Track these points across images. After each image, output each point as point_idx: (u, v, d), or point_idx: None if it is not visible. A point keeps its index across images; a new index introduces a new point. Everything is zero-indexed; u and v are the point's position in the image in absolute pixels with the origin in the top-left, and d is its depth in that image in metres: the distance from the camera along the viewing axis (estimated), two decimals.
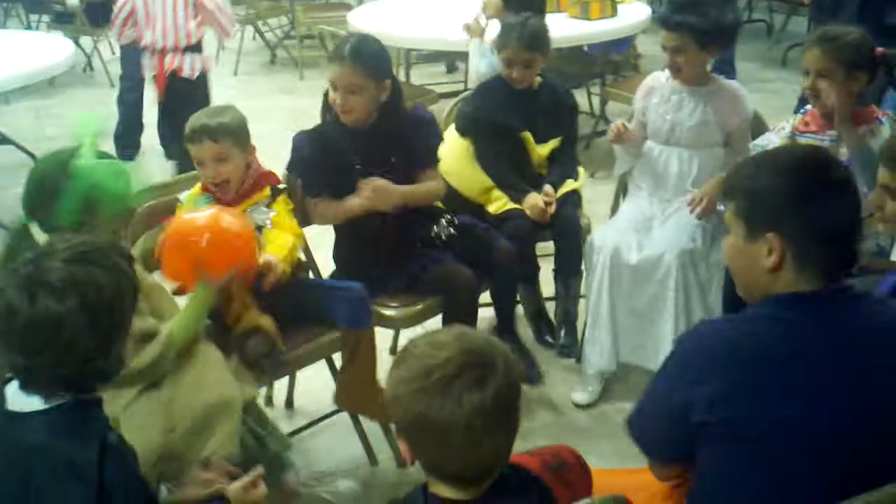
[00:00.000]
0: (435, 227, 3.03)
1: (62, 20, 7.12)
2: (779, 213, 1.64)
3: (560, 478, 1.57)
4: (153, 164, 5.24)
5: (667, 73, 3.22)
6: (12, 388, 1.61)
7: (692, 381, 1.61)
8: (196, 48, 4.67)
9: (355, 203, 2.86)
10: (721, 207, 2.32)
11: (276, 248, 2.64)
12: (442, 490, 1.45)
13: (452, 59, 6.95)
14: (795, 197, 1.64)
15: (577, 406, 3.22)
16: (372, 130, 2.90)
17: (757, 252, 1.65)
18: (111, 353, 1.60)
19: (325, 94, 2.94)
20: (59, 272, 1.53)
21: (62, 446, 1.55)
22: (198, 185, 2.74)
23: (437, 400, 1.37)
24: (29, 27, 7.64)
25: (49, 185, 2.07)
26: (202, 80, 4.72)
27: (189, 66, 4.64)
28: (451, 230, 3.04)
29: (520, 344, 3.27)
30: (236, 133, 2.67)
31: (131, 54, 5.05)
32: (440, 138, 3.10)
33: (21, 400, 1.59)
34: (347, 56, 2.80)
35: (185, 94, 4.56)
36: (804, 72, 2.80)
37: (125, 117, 5.43)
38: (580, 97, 5.84)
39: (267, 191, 2.75)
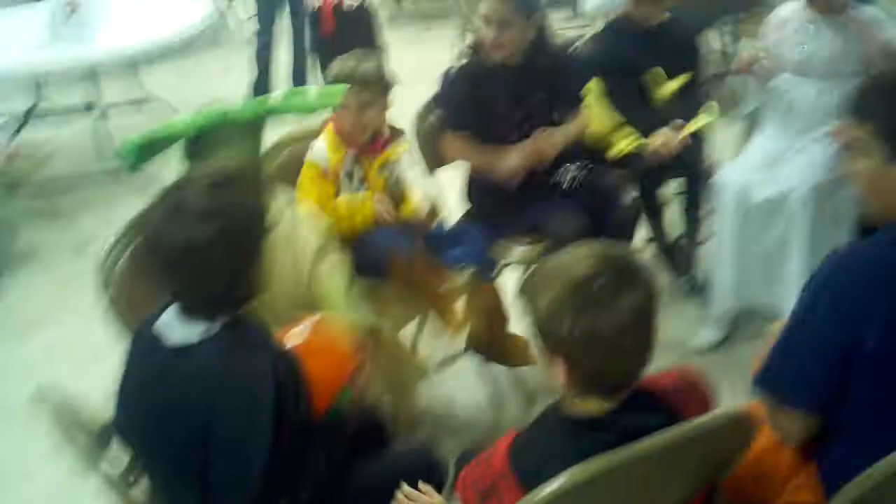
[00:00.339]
0: (565, 172, 3.07)
1: None
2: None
3: (686, 398, 1.62)
4: None
5: (798, 3, 3.13)
6: (164, 326, 1.71)
7: (859, 315, 1.60)
8: None
9: (514, 160, 2.92)
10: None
11: (410, 209, 2.84)
12: (581, 406, 1.53)
13: (577, 3, 6.86)
14: None
15: (702, 347, 3.22)
16: (520, 67, 2.97)
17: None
18: (254, 272, 1.70)
19: (473, 45, 3.03)
20: (199, 200, 1.63)
21: (239, 364, 1.66)
22: (329, 136, 2.81)
23: (604, 310, 1.45)
24: None
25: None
26: (365, 10, 4.80)
27: None
28: (578, 179, 3.07)
29: None
30: (383, 81, 2.76)
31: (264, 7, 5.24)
32: (586, 79, 3.16)
33: (180, 332, 1.69)
34: None
35: (351, 25, 4.67)
36: None
37: (262, 71, 5.62)
38: (712, 36, 5.73)
39: (401, 147, 2.84)
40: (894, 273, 1.60)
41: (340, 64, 2.76)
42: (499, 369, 3.08)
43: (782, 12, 3.21)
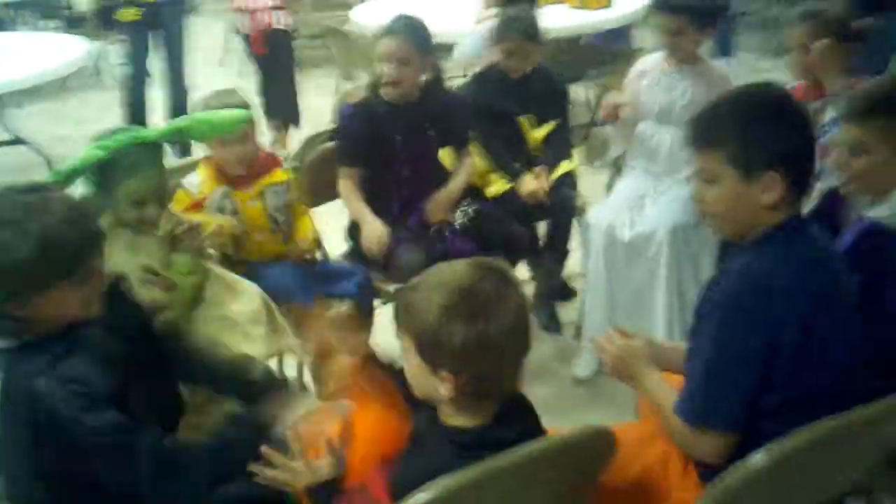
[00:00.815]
0: (454, 213, 3.18)
1: (73, 24, 7.26)
2: (777, 150, 1.75)
3: None
4: None
5: (656, 55, 3.33)
6: None
7: (775, 323, 1.71)
8: (278, 5, 5.25)
9: (363, 219, 3.02)
10: None
11: (303, 234, 2.92)
12: (457, 422, 1.59)
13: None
14: (788, 131, 1.77)
15: (577, 380, 3.34)
16: (414, 106, 3.09)
17: (755, 191, 1.76)
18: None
19: (371, 83, 3.12)
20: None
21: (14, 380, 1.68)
22: (202, 170, 2.82)
23: (492, 315, 1.50)
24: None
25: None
26: (287, 33, 5.36)
27: (276, 20, 5.23)
28: (467, 220, 3.18)
29: None
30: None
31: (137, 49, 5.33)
32: (471, 121, 3.31)
33: None
34: (399, 29, 3.03)
35: (278, 47, 5.28)
36: (791, 47, 2.92)
37: (136, 111, 5.55)
38: (579, 89, 5.99)
39: (279, 174, 2.89)
40: (794, 277, 1.73)
41: (207, 101, 2.78)
42: None
43: (640, 65, 3.40)
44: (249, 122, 2.77)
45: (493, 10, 4.15)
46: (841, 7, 2.89)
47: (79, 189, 2.20)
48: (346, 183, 3.10)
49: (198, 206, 2.75)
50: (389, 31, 3.05)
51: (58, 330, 1.71)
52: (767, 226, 1.79)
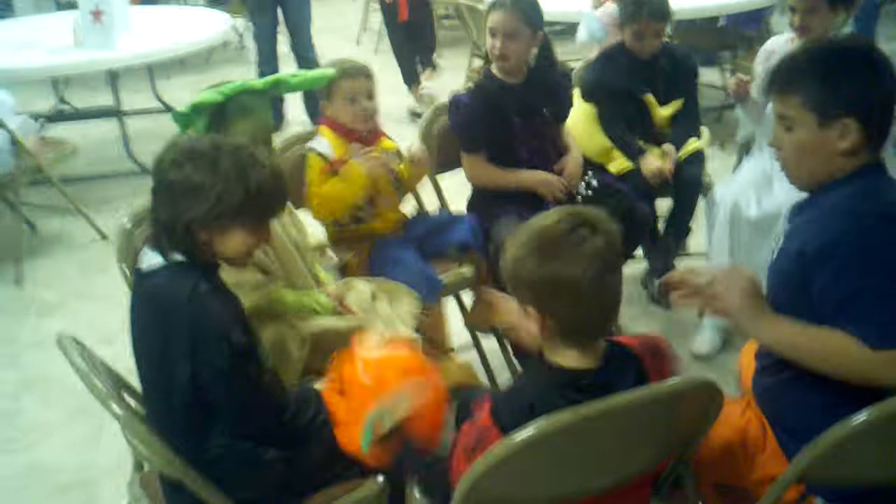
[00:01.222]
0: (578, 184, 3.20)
1: (217, 2, 7.57)
2: (853, 97, 1.76)
3: (651, 361, 1.71)
4: None
5: (786, 36, 3.28)
6: (141, 260, 1.92)
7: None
8: None
9: (528, 179, 3.08)
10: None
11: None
12: (562, 360, 1.64)
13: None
14: (867, 79, 1.77)
15: (698, 357, 3.33)
16: (525, 83, 3.11)
17: (830, 138, 1.78)
18: (218, 229, 1.86)
19: (483, 59, 3.18)
20: (197, 144, 1.88)
21: (166, 291, 1.85)
22: (327, 134, 2.90)
23: (561, 256, 1.56)
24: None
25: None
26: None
27: None
28: (590, 191, 3.20)
29: None
30: (369, 71, 2.91)
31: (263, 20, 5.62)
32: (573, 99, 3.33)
33: (146, 263, 1.90)
34: (510, 2, 3.02)
35: (422, 10, 6.07)
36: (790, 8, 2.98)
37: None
38: (712, 72, 5.91)
39: (387, 142, 2.98)
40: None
41: (331, 63, 2.89)
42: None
43: (769, 45, 3.36)
44: (371, 80, 2.88)
45: None
46: None
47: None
48: (477, 164, 3.13)
49: (335, 166, 2.84)
50: (498, 4, 3.05)
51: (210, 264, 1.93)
52: (844, 173, 1.80)
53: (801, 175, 1.89)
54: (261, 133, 2.40)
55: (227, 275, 2.01)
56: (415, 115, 5.98)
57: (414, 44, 6.23)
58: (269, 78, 2.53)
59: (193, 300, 1.81)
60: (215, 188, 1.82)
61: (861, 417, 1.59)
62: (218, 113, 2.34)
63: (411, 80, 6.29)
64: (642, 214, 3.23)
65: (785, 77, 1.85)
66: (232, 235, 1.88)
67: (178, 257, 1.87)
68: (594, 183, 3.19)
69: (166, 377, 1.83)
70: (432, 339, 2.87)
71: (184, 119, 2.36)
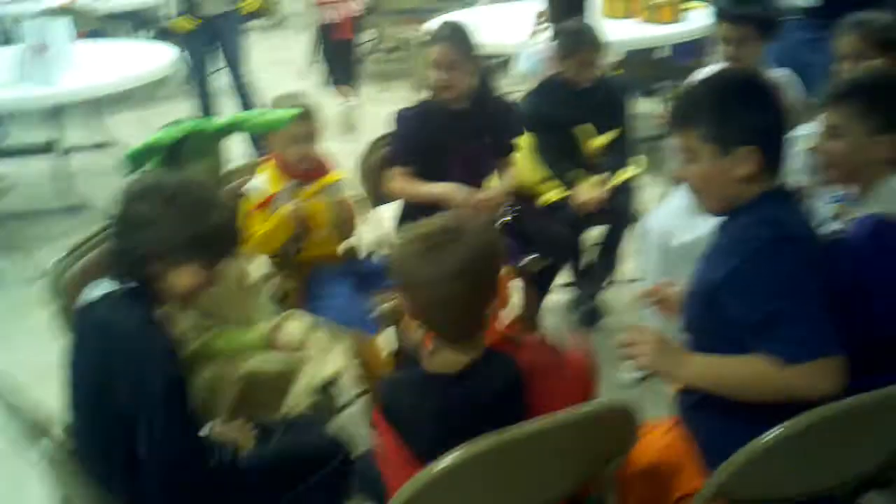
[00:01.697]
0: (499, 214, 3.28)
1: (165, 35, 7.58)
2: (750, 125, 1.88)
3: (546, 383, 1.76)
4: None
5: (716, 67, 3.38)
6: (87, 291, 1.96)
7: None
8: None
9: (439, 189, 3.13)
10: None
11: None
12: (440, 361, 1.74)
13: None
14: (759, 108, 1.90)
15: (628, 382, 3.39)
16: (466, 111, 3.21)
17: (730, 166, 1.89)
18: (170, 253, 1.90)
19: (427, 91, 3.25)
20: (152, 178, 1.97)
21: (115, 318, 1.88)
22: (267, 170, 2.95)
23: (422, 258, 1.67)
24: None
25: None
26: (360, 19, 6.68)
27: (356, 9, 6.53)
28: (511, 217, 3.28)
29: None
30: (467, 45, 3.06)
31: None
32: (520, 129, 3.42)
33: (92, 292, 1.94)
34: (448, 35, 3.15)
35: (357, 30, 6.61)
36: (839, 57, 2.94)
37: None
38: (651, 103, 6.04)
39: (335, 174, 3.04)
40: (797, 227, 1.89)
41: (280, 100, 2.94)
42: None
43: (700, 76, 3.44)
44: (315, 122, 2.94)
45: (546, 25, 4.27)
46: (886, 18, 2.91)
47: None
48: (401, 178, 3.21)
49: (265, 204, 2.90)
50: (436, 37, 3.18)
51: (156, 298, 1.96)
52: (746, 200, 1.90)
53: (710, 203, 1.99)
54: (213, 173, 2.47)
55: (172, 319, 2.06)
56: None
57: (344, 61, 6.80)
58: (225, 120, 2.57)
59: (143, 328, 1.86)
60: (170, 223, 1.87)
61: (774, 434, 1.66)
62: (171, 153, 2.39)
63: (342, 82, 6.74)
64: (560, 239, 3.35)
65: (683, 111, 1.96)
66: (183, 271, 1.92)
67: (127, 286, 1.91)
68: (513, 211, 3.29)
69: (109, 406, 1.85)
70: (371, 371, 2.91)
71: (137, 158, 2.39)
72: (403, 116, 3.25)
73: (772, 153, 1.91)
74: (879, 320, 1.99)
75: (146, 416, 1.83)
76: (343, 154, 3.09)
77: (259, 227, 2.86)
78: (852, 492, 1.95)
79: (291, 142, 2.91)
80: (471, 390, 1.69)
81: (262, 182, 2.93)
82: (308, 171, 2.97)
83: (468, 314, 1.71)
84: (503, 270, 1.81)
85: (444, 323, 1.71)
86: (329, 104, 6.36)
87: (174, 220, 1.88)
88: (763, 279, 1.82)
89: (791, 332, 1.79)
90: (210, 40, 5.66)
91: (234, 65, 5.79)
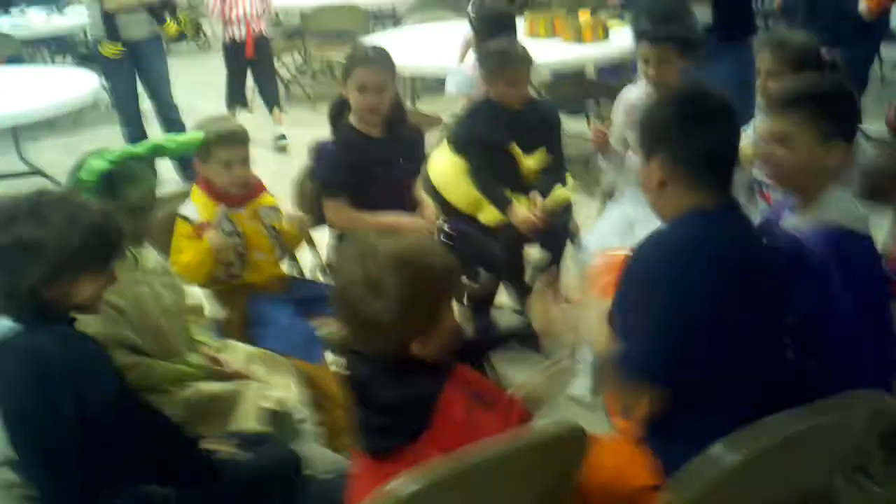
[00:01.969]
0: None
1: (86, 60, 7.46)
2: (660, 138, 1.96)
3: (468, 407, 1.75)
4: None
5: (639, 85, 3.45)
6: None
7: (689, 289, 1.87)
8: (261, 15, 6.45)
9: (393, 222, 3.15)
10: None
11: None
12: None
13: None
14: (671, 123, 1.95)
15: (576, 399, 3.41)
16: (384, 136, 3.22)
17: (649, 173, 1.98)
18: (60, 283, 1.86)
19: (334, 107, 3.23)
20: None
21: (24, 343, 1.85)
22: (197, 196, 2.93)
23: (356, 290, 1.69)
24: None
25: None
26: (268, 39, 6.63)
27: (264, 28, 6.47)
28: (444, 236, 3.30)
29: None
30: (247, 137, 2.94)
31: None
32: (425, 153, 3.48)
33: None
34: (375, 57, 3.14)
35: (264, 49, 6.53)
36: (757, 72, 3.01)
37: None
38: (579, 121, 6.14)
39: (268, 197, 3.03)
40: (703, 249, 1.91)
41: (207, 123, 2.92)
42: None
43: (627, 95, 3.51)
44: (247, 146, 2.92)
45: (473, 46, 4.29)
46: (804, 38, 2.98)
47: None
48: (340, 209, 3.20)
49: (200, 230, 2.87)
50: (366, 59, 3.15)
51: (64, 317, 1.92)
52: (675, 212, 1.97)
53: (658, 212, 2.08)
54: (149, 197, 2.44)
55: None
56: (280, 138, 6.61)
57: (259, 84, 6.78)
58: (148, 143, 2.55)
59: (68, 343, 1.84)
60: (50, 243, 1.82)
61: (733, 457, 1.69)
62: (105, 181, 2.34)
63: (233, 105, 6.68)
64: (493, 255, 3.37)
65: (644, 140, 2.04)
66: (81, 284, 1.88)
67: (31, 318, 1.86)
68: (446, 228, 3.31)
69: (52, 432, 1.82)
70: (322, 401, 2.88)
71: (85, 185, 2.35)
72: (324, 149, 3.23)
73: (685, 169, 1.95)
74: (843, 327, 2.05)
75: (105, 420, 1.82)
76: (278, 175, 3.06)
77: (186, 257, 2.83)
78: None
79: (221, 166, 2.88)
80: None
81: (192, 210, 2.90)
82: (238, 195, 2.95)
83: (390, 342, 1.73)
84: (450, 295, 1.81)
85: (363, 343, 1.76)
86: (260, 124, 6.37)
87: (48, 239, 1.82)
88: (636, 291, 1.94)
89: (634, 347, 1.91)
90: (133, 66, 5.57)
91: (158, 90, 5.71)
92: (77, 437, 1.81)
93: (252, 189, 3.00)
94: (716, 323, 1.87)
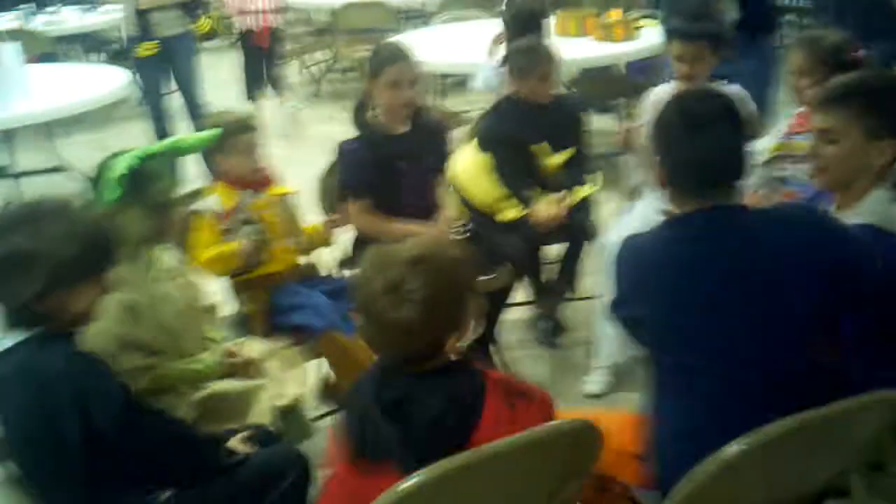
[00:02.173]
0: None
1: (117, 58, 7.53)
2: (657, 141, 2.02)
3: (507, 398, 1.76)
4: None
5: (668, 85, 3.42)
6: None
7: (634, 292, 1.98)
8: (276, 10, 6.77)
9: (418, 232, 3.11)
10: None
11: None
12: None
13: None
14: (664, 128, 2.01)
15: (590, 397, 3.41)
16: (410, 131, 3.23)
17: (657, 174, 2.04)
18: (58, 296, 1.84)
19: (357, 107, 3.25)
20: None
21: (32, 365, 1.83)
22: (217, 189, 2.96)
23: (377, 291, 1.68)
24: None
25: (97, 179, 2.38)
26: (280, 31, 6.96)
27: (276, 21, 6.76)
28: (463, 233, 3.28)
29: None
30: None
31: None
32: (452, 148, 3.46)
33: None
34: (405, 53, 3.17)
35: (277, 41, 6.88)
36: (790, 71, 2.98)
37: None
38: (608, 119, 6.11)
39: (282, 187, 3.07)
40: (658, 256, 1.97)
41: (217, 117, 2.98)
42: None
43: (655, 95, 3.48)
44: (253, 132, 2.98)
45: (504, 43, 4.28)
46: (837, 36, 2.94)
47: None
48: (365, 212, 3.21)
49: (223, 220, 2.91)
50: (399, 55, 3.18)
51: (66, 328, 1.90)
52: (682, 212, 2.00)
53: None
54: (170, 195, 2.47)
55: (114, 361, 2.03)
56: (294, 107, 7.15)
57: (267, 70, 7.01)
58: (166, 141, 2.60)
59: (71, 363, 1.82)
60: (46, 254, 1.80)
61: (735, 447, 1.66)
62: (130, 179, 2.36)
63: (253, 93, 6.95)
64: (513, 255, 3.35)
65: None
66: (79, 293, 1.87)
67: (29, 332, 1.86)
68: (465, 228, 3.30)
69: (54, 449, 1.82)
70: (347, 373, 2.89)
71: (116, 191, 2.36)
72: (348, 149, 3.24)
73: (671, 175, 2.00)
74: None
75: (111, 433, 1.82)
76: (290, 161, 3.07)
77: (212, 253, 2.85)
78: (814, 501, 1.96)
79: (242, 154, 2.93)
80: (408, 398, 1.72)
81: (214, 201, 2.93)
82: (256, 181, 2.99)
83: (424, 344, 1.71)
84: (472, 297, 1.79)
85: (399, 351, 1.73)
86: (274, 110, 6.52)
87: (44, 251, 1.80)
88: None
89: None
90: (164, 62, 5.62)
91: (188, 86, 5.77)
92: (82, 459, 1.81)
93: (267, 176, 3.04)
94: (665, 318, 1.92)
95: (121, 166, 2.34)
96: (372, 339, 1.74)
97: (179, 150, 2.62)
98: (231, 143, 2.90)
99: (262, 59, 6.84)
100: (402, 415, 1.69)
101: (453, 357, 1.73)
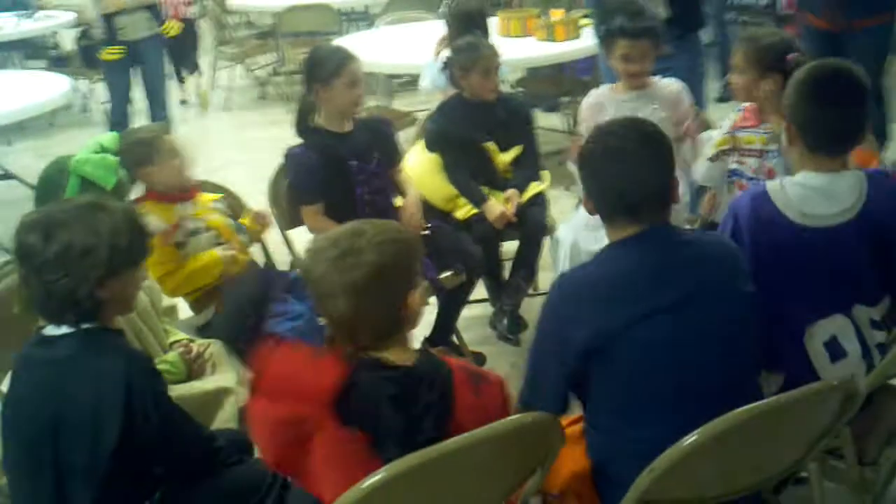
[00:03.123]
0: None
1: (58, 64, 7.42)
2: (583, 171, 2.09)
3: (472, 385, 1.80)
4: None
5: (603, 87, 3.48)
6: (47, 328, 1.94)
7: (568, 322, 1.94)
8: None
9: None
10: None
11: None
12: (385, 357, 1.77)
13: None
14: (586, 158, 2.06)
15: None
16: (354, 130, 3.25)
17: None
18: (101, 287, 1.90)
19: (300, 111, 3.24)
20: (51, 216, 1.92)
21: (87, 362, 1.88)
22: (147, 207, 2.90)
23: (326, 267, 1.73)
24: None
25: (51, 184, 2.38)
26: (193, 21, 7.32)
27: (188, 11, 7.00)
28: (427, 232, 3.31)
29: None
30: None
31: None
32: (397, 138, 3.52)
33: (51, 330, 1.92)
34: (354, 54, 3.19)
35: (189, 28, 7.11)
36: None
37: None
38: (554, 117, 6.18)
39: (207, 195, 3.10)
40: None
41: (130, 135, 3.02)
42: None
43: (594, 98, 3.47)
44: (173, 143, 3.01)
45: (446, 42, 4.32)
46: (776, 37, 3.01)
47: None
48: (318, 217, 3.23)
49: (170, 236, 2.89)
50: (351, 55, 3.23)
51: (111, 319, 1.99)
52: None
53: None
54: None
55: None
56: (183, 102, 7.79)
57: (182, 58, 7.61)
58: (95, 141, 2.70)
59: (132, 362, 1.90)
60: (105, 244, 1.88)
61: (692, 438, 1.71)
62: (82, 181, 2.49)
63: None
64: (472, 254, 3.38)
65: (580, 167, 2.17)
66: (127, 280, 1.97)
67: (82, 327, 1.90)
68: (428, 226, 3.34)
69: (89, 442, 1.83)
70: None
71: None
72: (295, 155, 3.26)
73: (598, 202, 2.08)
74: None
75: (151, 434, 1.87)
76: (237, 165, 3.08)
77: (185, 271, 2.88)
78: (773, 489, 2.01)
79: (162, 164, 2.92)
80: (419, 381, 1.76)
81: (155, 222, 2.86)
82: (185, 190, 3.00)
83: (384, 318, 1.75)
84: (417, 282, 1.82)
85: (363, 323, 1.75)
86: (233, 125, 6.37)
87: (103, 237, 1.89)
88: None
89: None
90: (131, 66, 5.57)
91: (156, 90, 5.71)
92: (110, 456, 1.84)
93: (195, 184, 3.05)
94: (604, 347, 1.91)
95: (110, 161, 2.48)
96: (335, 318, 1.76)
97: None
98: (160, 154, 2.91)
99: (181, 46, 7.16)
100: (404, 406, 1.73)
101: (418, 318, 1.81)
